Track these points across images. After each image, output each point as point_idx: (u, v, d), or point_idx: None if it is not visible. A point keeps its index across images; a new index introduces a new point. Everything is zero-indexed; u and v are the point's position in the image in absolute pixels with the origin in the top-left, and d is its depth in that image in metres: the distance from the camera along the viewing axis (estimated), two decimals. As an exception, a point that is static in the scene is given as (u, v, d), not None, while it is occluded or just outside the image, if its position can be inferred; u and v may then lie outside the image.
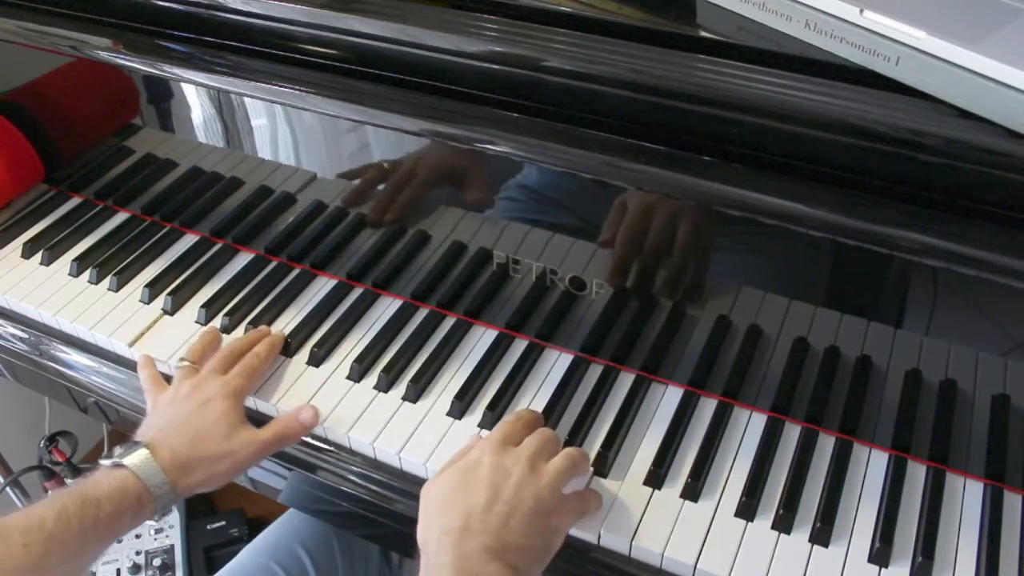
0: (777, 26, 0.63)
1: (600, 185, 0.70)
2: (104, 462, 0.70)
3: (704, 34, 0.66)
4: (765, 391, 0.76)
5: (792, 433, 0.76)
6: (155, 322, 0.89)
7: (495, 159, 0.73)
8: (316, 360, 0.84)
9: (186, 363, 0.80)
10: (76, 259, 0.96)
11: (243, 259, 0.96)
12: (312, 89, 0.76)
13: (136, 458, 0.69)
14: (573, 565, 0.71)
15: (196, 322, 0.89)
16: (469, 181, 0.77)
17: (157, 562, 1.43)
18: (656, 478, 0.72)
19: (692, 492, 0.71)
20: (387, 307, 0.90)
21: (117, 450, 0.71)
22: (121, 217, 1.03)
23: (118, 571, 1.43)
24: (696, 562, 0.67)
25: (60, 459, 1.26)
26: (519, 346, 0.84)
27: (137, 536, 1.47)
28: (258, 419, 0.78)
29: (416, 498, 0.75)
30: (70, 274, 0.96)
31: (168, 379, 0.82)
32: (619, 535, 0.68)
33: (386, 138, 0.79)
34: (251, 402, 0.81)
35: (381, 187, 0.82)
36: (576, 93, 0.68)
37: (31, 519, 0.64)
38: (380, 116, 0.75)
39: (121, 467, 0.69)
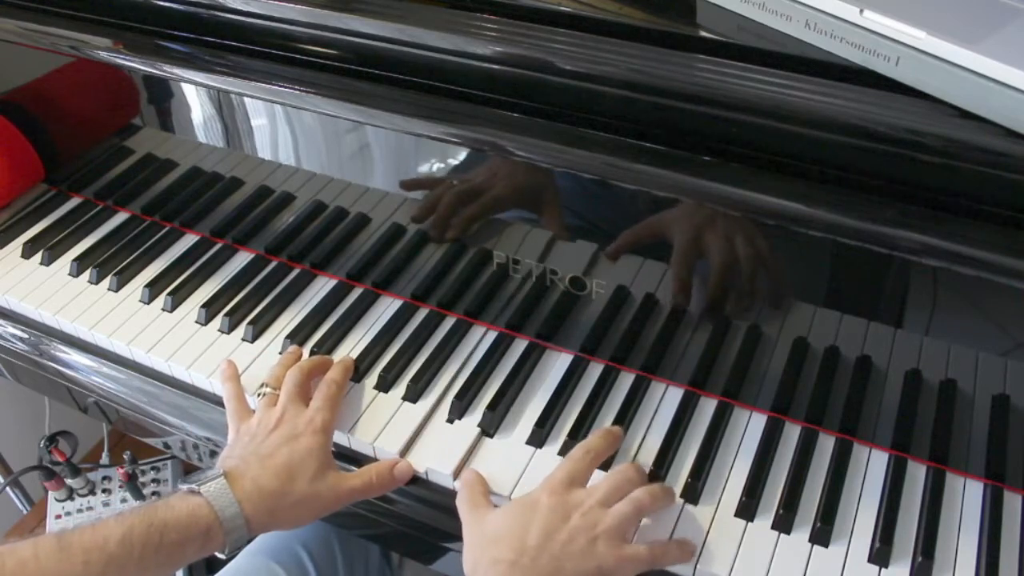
0: (777, 26, 0.63)
1: (600, 185, 0.70)
2: (182, 486, 0.67)
3: (704, 34, 0.66)
4: (765, 391, 0.76)
5: (792, 433, 0.76)
6: (154, 322, 0.89)
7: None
8: (316, 360, 0.84)
9: (269, 390, 0.77)
10: (76, 259, 0.96)
11: (243, 259, 0.96)
12: (312, 89, 0.76)
13: (213, 487, 0.66)
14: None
15: (196, 322, 0.89)
16: (544, 206, 0.75)
17: (157, 562, 1.43)
18: (656, 478, 0.72)
19: (692, 492, 0.71)
20: (387, 307, 0.90)
21: (199, 475, 0.68)
22: (121, 217, 1.03)
23: (118, 571, 1.42)
24: (696, 562, 0.67)
25: (60, 459, 1.26)
26: (519, 346, 0.84)
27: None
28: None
29: (416, 498, 0.76)
30: (70, 274, 0.96)
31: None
32: (619, 535, 0.68)
33: (386, 138, 0.79)
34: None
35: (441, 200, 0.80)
36: (576, 93, 0.68)
37: (96, 536, 0.62)
38: (380, 116, 0.75)
39: (196, 494, 0.66)
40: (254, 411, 0.76)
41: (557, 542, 0.61)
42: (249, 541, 0.69)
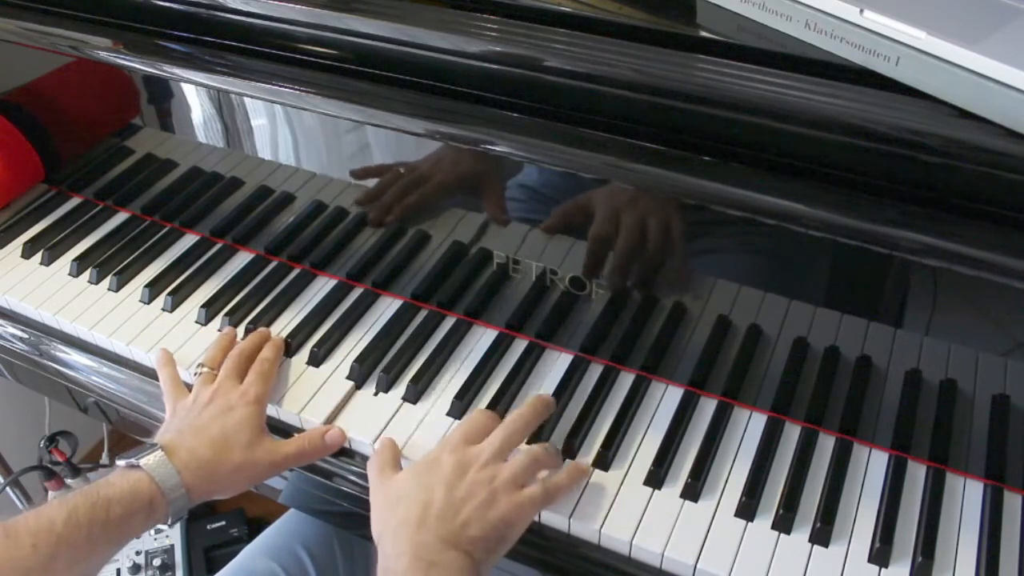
0: (777, 26, 0.63)
1: (600, 185, 0.70)
2: (120, 462, 0.69)
3: (704, 34, 0.66)
4: (765, 391, 0.76)
5: (792, 433, 0.76)
6: (154, 322, 0.89)
7: (502, 161, 0.73)
8: (316, 360, 0.84)
9: (206, 369, 0.79)
10: (76, 259, 0.96)
11: (243, 259, 0.96)
12: (312, 89, 0.76)
13: (152, 459, 0.68)
14: (573, 564, 0.71)
15: (196, 322, 0.89)
16: (485, 189, 0.77)
17: (157, 562, 1.43)
18: (656, 478, 0.72)
19: (692, 492, 0.71)
20: (387, 307, 0.90)
21: (135, 451, 0.69)
22: (121, 217, 1.03)
23: (118, 571, 1.43)
24: (696, 562, 0.67)
25: (60, 459, 1.26)
26: (519, 346, 0.84)
27: (137, 536, 1.47)
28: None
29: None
30: (70, 274, 0.96)
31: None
32: (619, 535, 0.68)
33: (387, 138, 0.79)
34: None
35: (388, 188, 0.82)
36: (576, 93, 0.68)
37: (40, 520, 0.64)
38: (380, 116, 0.75)
39: (136, 468, 0.68)
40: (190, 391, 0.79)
41: (458, 497, 0.64)
42: (190, 510, 0.72)
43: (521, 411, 0.72)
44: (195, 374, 0.80)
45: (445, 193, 0.79)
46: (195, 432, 0.72)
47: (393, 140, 0.78)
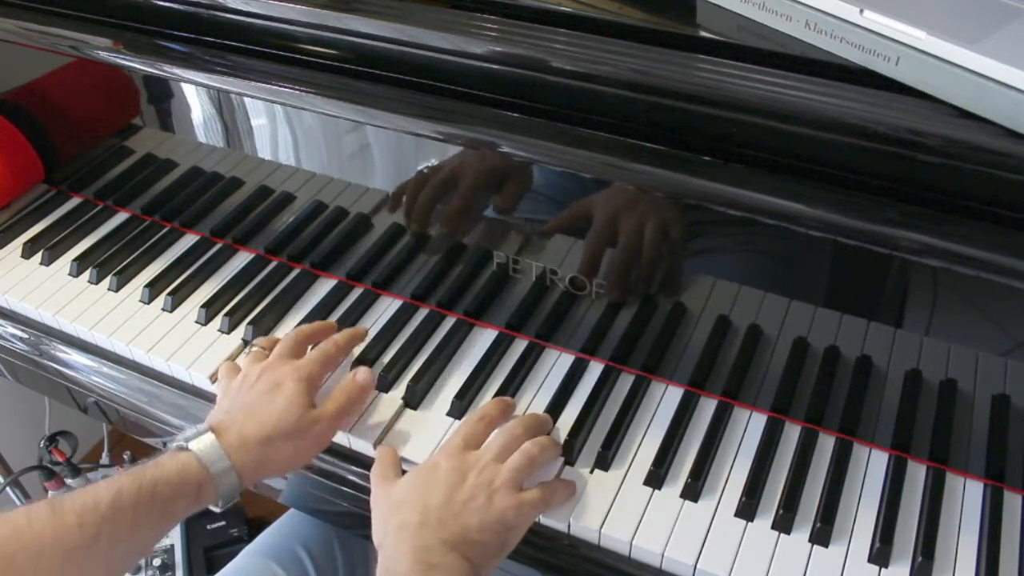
0: (777, 26, 0.63)
1: (600, 185, 0.70)
2: (171, 444, 0.68)
3: (704, 34, 0.66)
4: (765, 391, 0.76)
5: (792, 433, 0.76)
6: (154, 322, 0.89)
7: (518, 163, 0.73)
8: (316, 360, 0.84)
9: (256, 347, 0.79)
10: (76, 259, 0.96)
11: (243, 259, 0.96)
12: (312, 89, 0.76)
13: (201, 442, 0.67)
14: (573, 564, 0.71)
15: (196, 322, 0.89)
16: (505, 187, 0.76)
17: (157, 562, 1.43)
18: (656, 478, 0.72)
19: (692, 492, 0.71)
20: (387, 307, 0.90)
21: (185, 432, 0.69)
22: (121, 217, 1.03)
23: (118, 571, 1.42)
24: (696, 562, 0.67)
25: (60, 459, 1.26)
26: (519, 346, 0.84)
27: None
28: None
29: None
30: (70, 274, 0.96)
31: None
32: (619, 535, 0.68)
33: (386, 138, 0.79)
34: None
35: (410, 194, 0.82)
36: (576, 93, 0.68)
37: (87, 499, 0.63)
38: (380, 116, 0.75)
39: (185, 450, 0.67)
40: None
41: (458, 501, 0.64)
42: (241, 492, 0.70)
43: (522, 420, 0.72)
44: (246, 351, 0.79)
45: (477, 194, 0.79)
46: (244, 411, 0.70)
47: (393, 140, 0.78)
